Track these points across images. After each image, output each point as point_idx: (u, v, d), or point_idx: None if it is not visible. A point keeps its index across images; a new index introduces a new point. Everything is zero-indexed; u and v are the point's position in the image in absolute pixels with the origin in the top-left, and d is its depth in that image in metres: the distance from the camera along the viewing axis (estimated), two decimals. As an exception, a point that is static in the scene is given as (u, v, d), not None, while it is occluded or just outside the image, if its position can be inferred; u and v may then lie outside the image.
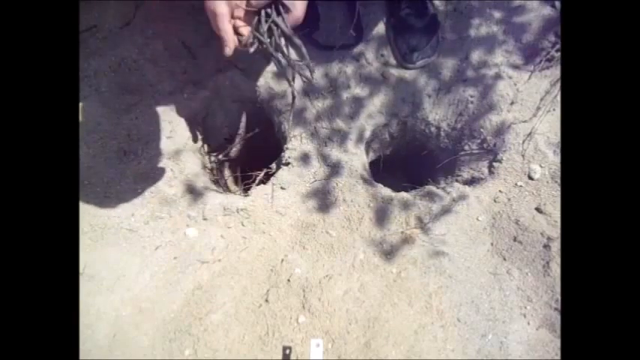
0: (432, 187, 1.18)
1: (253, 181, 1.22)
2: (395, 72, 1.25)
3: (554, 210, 1.05)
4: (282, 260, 1.03)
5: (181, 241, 1.04)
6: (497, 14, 1.28)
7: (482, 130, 1.20)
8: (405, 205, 1.13)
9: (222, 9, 0.70)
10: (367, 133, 1.26)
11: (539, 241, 1.02)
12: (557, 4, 1.27)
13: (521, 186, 1.12)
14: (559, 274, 0.96)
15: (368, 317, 0.93)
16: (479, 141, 1.21)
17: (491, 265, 1.02)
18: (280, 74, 1.22)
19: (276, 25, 0.72)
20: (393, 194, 1.15)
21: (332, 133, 1.20)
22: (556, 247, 0.99)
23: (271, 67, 1.25)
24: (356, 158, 1.20)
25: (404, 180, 1.32)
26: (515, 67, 1.23)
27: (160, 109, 1.20)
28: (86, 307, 0.91)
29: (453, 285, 0.99)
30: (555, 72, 1.20)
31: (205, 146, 1.32)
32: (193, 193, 1.12)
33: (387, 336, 0.91)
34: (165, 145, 1.16)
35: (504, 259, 1.03)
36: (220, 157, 1.33)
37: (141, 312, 0.93)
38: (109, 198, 1.06)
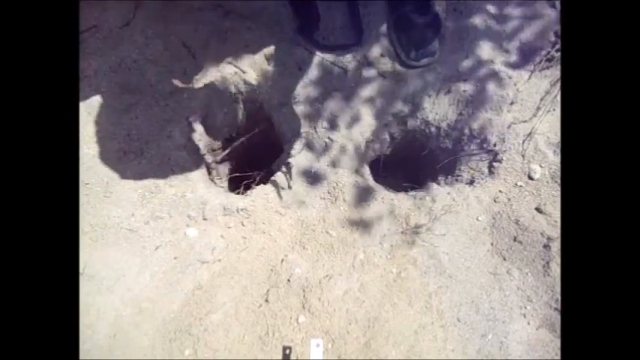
0: (432, 187, 1.18)
1: (253, 181, 1.22)
2: (395, 72, 1.25)
3: (554, 210, 1.05)
4: (282, 260, 1.03)
5: (181, 241, 1.04)
6: (497, 14, 1.28)
7: (482, 130, 1.20)
8: (405, 205, 1.12)
9: None
10: (367, 133, 1.25)
11: (539, 241, 1.02)
12: (557, 4, 1.27)
13: (521, 186, 1.12)
14: (559, 274, 0.96)
15: (368, 317, 0.93)
16: (479, 141, 1.21)
17: (491, 265, 1.02)
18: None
19: None
20: (393, 194, 1.15)
21: (332, 133, 1.20)
22: (556, 247, 0.99)
23: (271, 68, 1.26)
24: (356, 158, 1.20)
25: (404, 180, 1.32)
26: (515, 67, 1.23)
27: (160, 109, 1.20)
28: (86, 307, 0.91)
29: (453, 285, 0.99)
30: (555, 72, 1.20)
31: (205, 146, 1.32)
32: (193, 193, 1.12)
33: (387, 336, 0.91)
34: (166, 145, 1.16)
35: (504, 259, 1.03)
36: (220, 157, 1.33)
37: (141, 312, 0.93)
38: (109, 198, 1.06)
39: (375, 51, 1.26)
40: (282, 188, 1.16)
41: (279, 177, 1.18)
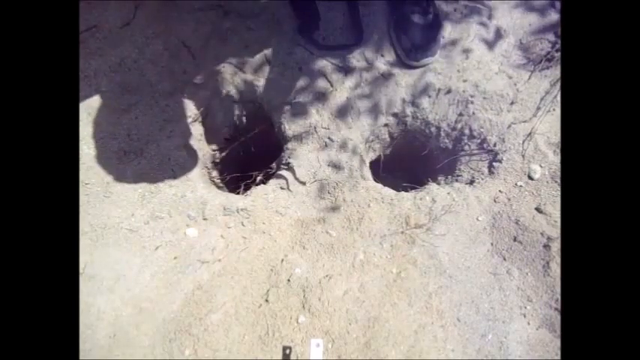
0: (432, 187, 1.18)
1: (253, 181, 1.22)
2: (395, 72, 1.25)
3: (554, 210, 1.05)
4: (282, 260, 1.03)
5: (181, 241, 1.04)
6: (497, 14, 1.28)
7: (482, 130, 1.20)
8: (405, 205, 1.12)
9: None
10: (367, 133, 1.26)
11: (539, 241, 1.02)
12: (557, 4, 1.27)
13: (521, 186, 1.12)
14: (559, 274, 0.96)
15: (368, 317, 0.93)
16: (479, 141, 1.21)
17: (491, 265, 1.02)
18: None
19: None
20: (393, 194, 1.15)
21: (332, 133, 1.20)
22: (556, 247, 0.99)
23: (271, 68, 1.26)
24: (356, 158, 1.20)
25: (404, 180, 1.32)
26: (515, 67, 1.23)
27: (160, 109, 1.20)
28: (86, 307, 0.91)
29: (453, 285, 0.99)
30: (555, 72, 1.20)
31: (205, 146, 1.32)
32: (193, 193, 1.12)
33: (387, 336, 0.91)
34: (166, 145, 1.16)
35: (504, 259, 1.03)
36: (220, 157, 1.33)
37: (141, 312, 0.93)
38: (109, 198, 1.06)
39: (375, 51, 1.26)
40: (282, 188, 1.16)
41: (279, 177, 1.18)
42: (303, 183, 1.17)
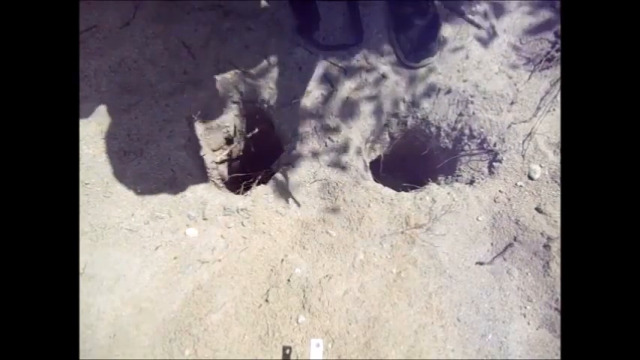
0: (432, 187, 1.18)
1: (253, 181, 1.22)
2: (395, 72, 1.25)
3: (554, 210, 1.05)
4: (282, 260, 1.03)
5: (181, 241, 1.04)
6: (497, 14, 1.28)
7: (482, 130, 1.20)
8: (405, 205, 1.12)
9: None
10: (367, 133, 1.25)
11: (539, 241, 1.02)
12: (557, 4, 1.27)
13: (521, 186, 1.12)
14: (559, 274, 0.96)
15: (368, 317, 0.93)
16: (479, 141, 1.21)
17: (491, 265, 1.02)
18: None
19: None
20: (393, 194, 1.15)
21: (332, 133, 1.20)
22: (556, 247, 0.99)
23: (271, 68, 1.26)
24: (356, 158, 1.20)
25: (404, 180, 1.32)
26: (515, 67, 1.23)
27: (160, 109, 1.20)
28: (86, 307, 0.91)
29: (453, 285, 0.99)
30: (555, 72, 1.20)
31: (205, 146, 1.32)
32: (193, 193, 1.12)
33: (387, 336, 0.91)
34: (166, 145, 1.16)
35: (504, 259, 1.03)
36: (220, 157, 1.33)
37: (141, 312, 0.93)
38: (109, 198, 1.06)
39: (375, 51, 1.26)
40: (283, 188, 1.16)
41: (279, 176, 1.18)
42: (304, 183, 1.17)
